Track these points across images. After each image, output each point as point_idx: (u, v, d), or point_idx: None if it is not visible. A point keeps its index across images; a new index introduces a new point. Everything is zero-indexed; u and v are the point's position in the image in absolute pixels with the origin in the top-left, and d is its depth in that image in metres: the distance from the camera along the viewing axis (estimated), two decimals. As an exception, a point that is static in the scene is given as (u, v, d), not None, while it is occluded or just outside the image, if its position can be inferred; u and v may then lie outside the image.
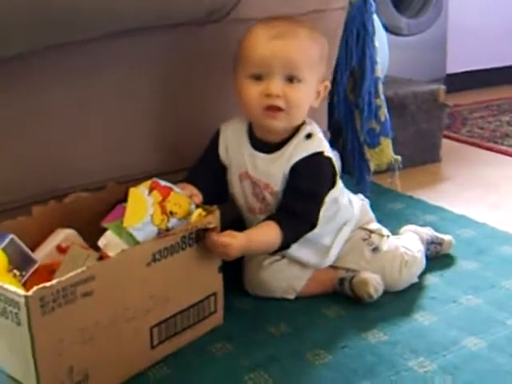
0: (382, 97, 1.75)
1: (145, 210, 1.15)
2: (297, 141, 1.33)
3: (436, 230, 1.63)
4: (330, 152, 1.35)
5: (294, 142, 1.33)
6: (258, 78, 1.27)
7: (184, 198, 1.23)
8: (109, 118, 1.36)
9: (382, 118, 1.75)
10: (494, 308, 1.35)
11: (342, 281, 1.40)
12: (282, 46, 1.26)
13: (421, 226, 1.64)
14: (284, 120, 1.29)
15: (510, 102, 3.04)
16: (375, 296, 1.37)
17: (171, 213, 1.19)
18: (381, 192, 1.94)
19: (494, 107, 2.97)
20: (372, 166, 1.83)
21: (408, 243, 1.49)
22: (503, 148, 2.40)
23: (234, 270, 1.41)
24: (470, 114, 2.88)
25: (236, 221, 1.51)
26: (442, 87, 2.24)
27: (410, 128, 2.18)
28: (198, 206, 1.24)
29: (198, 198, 1.29)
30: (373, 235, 1.46)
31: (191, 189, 1.30)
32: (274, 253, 1.33)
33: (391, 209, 1.85)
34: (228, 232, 1.22)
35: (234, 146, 1.37)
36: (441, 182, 2.14)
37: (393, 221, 1.69)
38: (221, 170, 1.39)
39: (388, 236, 1.48)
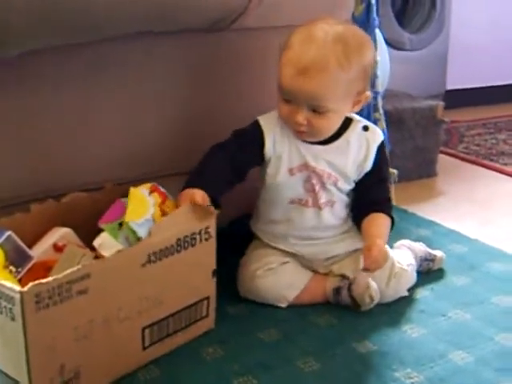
0: (381, 111, 1.77)
1: (146, 208, 1.17)
2: (356, 133, 1.40)
3: (428, 244, 1.65)
4: None
5: (353, 135, 1.40)
6: (287, 100, 1.32)
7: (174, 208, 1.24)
8: (110, 119, 1.38)
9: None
10: (483, 323, 1.36)
11: (337, 290, 1.41)
12: (307, 83, 1.28)
13: (413, 240, 1.66)
14: (309, 138, 1.37)
15: (506, 121, 3.06)
16: (376, 300, 1.39)
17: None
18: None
19: (491, 125, 2.99)
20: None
21: (400, 256, 1.50)
22: (498, 166, 2.42)
23: (228, 275, 1.43)
24: (467, 130, 2.91)
25: (236, 222, 1.53)
26: (441, 104, 2.27)
27: (408, 142, 2.20)
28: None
29: (204, 199, 1.26)
30: None
31: (193, 192, 1.27)
32: None
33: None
34: (368, 248, 1.31)
35: (285, 141, 1.39)
36: (435, 196, 2.16)
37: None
38: (253, 164, 1.41)
39: (384, 247, 1.50)
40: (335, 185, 1.40)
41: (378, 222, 1.40)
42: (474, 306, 1.43)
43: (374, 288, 1.38)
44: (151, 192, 1.21)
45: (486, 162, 2.47)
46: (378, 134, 1.44)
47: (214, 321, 1.32)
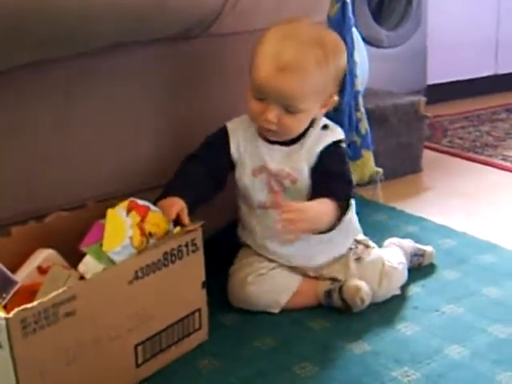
0: (363, 110, 1.77)
1: (124, 233, 1.15)
2: (315, 133, 1.38)
3: (417, 240, 1.65)
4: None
5: (311, 134, 1.38)
6: (259, 99, 1.31)
7: (161, 217, 1.22)
8: (87, 134, 1.36)
9: (363, 131, 1.77)
10: (475, 316, 1.36)
11: (329, 292, 1.40)
12: (283, 81, 1.27)
13: (402, 237, 1.65)
14: (278, 137, 1.37)
15: (488, 113, 3.07)
16: (367, 302, 1.38)
17: (150, 234, 1.19)
18: (364, 204, 1.94)
19: (474, 117, 3.00)
20: (354, 179, 1.84)
21: (390, 255, 1.50)
22: (482, 158, 2.43)
23: (218, 285, 1.42)
24: (450, 124, 2.91)
25: (223, 231, 1.52)
26: (423, 99, 2.27)
27: (391, 140, 2.20)
28: (177, 224, 1.25)
29: (184, 211, 1.26)
30: (359, 246, 1.48)
31: (172, 200, 1.28)
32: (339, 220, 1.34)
33: (374, 220, 1.86)
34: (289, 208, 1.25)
35: (247, 142, 1.40)
36: (422, 192, 2.16)
37: (376, 232, 1.69)
38: (225, 168, 1.41)
39: (373, 247, 1.49)
40: (294, 184, 1.38)
41: (321, 201, 1.32)
42: (465, 299, 1.43)
43: (365, 290, 1.37)
44: (129, 211, 1.18)
45: (470, 154, 2.48)
46: (336, 133, 1.41)
47: (207, 332, 1.30)
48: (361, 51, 1.91)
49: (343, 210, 1.35)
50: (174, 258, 1.21)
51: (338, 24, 1.72)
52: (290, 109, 1.30)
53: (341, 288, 1.39)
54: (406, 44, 2.90)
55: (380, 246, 1.56)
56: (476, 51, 3.28)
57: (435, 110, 2.68)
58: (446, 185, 2.19)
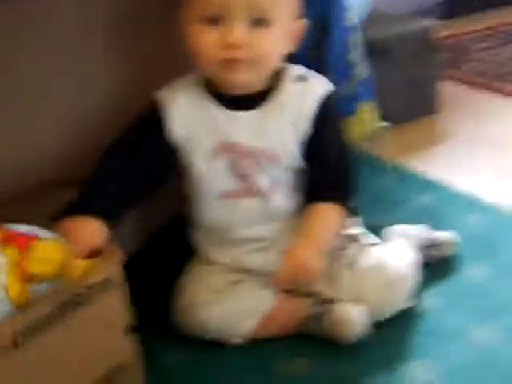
0: (359, 50, 1.33)
1: None
2: (290, 87, 1.04)
3: (434, 216, 1.28)
4: None
5: (286, 89, 1.03)
6: (213, 21, 0.96)
7: (57, 246, 0.84)
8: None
9: (358, 78, 1.34)
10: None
11: (310, 319, 1.03)
12: None
13: (414, 212, 1.31)
14: (249, 74, 0.99)
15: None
16: (360, 336, 1.01)
17: (37, 276, 0.81)
18: (366, 163, 1.54)
19: (501, 35, 2.52)
20: (355, 136, 1.43)
21: (395, 255, 1.10)
22: (509, 88, 1.98)
23: (161, 308, 1.07)
24: (471, 45, 2.44)
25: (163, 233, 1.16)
26: (436, 23, 1.81)
27: (397, 75, 1.75)
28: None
29: (99, 235, 0.93)
30: (353, 245, 1.10)
31: (83, 223, 0.93)
32: None
33: (377, 186, 1.46)
34: (284, 256, 0.98)
35: (196, 113, 1.03)
36: (437, 141, 1.72)
37: (380, 205, 1.35)
38: (163, 157, 1.04)
39: (373, 245, 1.11)
40: (275, 163, 1.03)
41: (317, 215, 1.04)
42: (502, 316, 1.04)
43: (357, 322, 1.00)
44: (4, 244, 0.80)
45: (497, 85, 2.02)
46: (318, 85, 1.06)
47: (143, 385, 0.95)
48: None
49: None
50: (76, 306, 0.84)
51: None
52: (260, 19, 0.96)
53: (326, 316, 1.01)
54: None
55: (378, 236, 1.17)
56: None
57: (452, 28, 2.22)
58: (466, 130, 1.75)
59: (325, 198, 1.04)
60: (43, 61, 1.02)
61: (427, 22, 1.83)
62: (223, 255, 1.08)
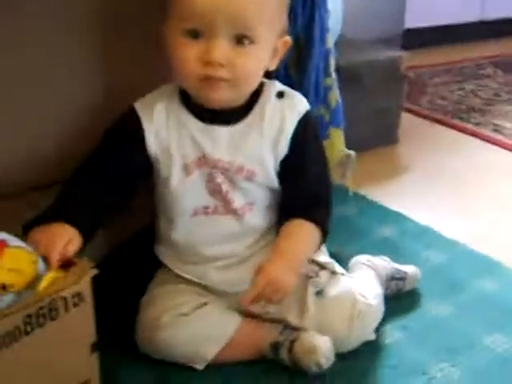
0: (334, 75, 1.33)
1: None
2: (270, 103, 1.01)
3: (395, 249, 1.29)
4: None
5: (266, 106, 1.01)
6: (195, 35, 0.92)
7: (26, 256, 0.81)
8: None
9: (333, 104, 1.33)
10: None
11: (276, 346, 1.01)
12: None
13: (376, 243, 1.31)
14: (228, 93, 0.96)
15: (473, 66, 2.65)
16: (326, 365, 0.99)
17: (4, 286, 0.77)
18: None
19: (457, 71, 2.58)
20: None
21: (363, 285, 1.10)
22: (469, 127, 2.02)
23: (124, 325, 1.03)
24: (430, 78, 2.48)
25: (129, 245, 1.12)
26: (403, 54, 1.84)
27: (362, 104, 1.77)
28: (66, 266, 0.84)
29: (73, 245, 0.88)
30: (322, 272, 1.08)
31: (56, 229, 0.89)
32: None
33: (340, 215, 1.44)
34: (256, 272, 0.94)
35: (171, 129, 0.99)
36: (399, 172, 1.74)
37: (340, 235, 1.31)
38: (138, 172, 1.01)
39: (342, 274, 1.10)
40: (251, 180, 1.00)
41: (293, 231, 1.01)
42: (462, 353, 1.05)
43: (324, 352, 0.98)
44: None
45: (455, 121, 2.06)
46: (298, 102, 1.04)
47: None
48: (335, -7, 1.45)
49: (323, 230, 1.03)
50: (43, 320, 0.80)
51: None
52: (243, 33, 0.92)
53: (292, 344, 1.00)
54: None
55: (345, 267, 1.16)
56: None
57: (412, 59, 2.25)
58: (426, 162, 1.78)
59: (303, 216, 1.01)
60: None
61: (396, 52, 1.85)
62: (190, 272, 1.05)
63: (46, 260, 0.82)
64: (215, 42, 0.91)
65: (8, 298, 0.76)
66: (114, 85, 1.07)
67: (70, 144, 1.04)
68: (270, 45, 0.97)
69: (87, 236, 0.92)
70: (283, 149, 1.01)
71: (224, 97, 0.96)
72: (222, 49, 0.91)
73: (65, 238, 0.87)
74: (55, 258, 0.84)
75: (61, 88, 1.03)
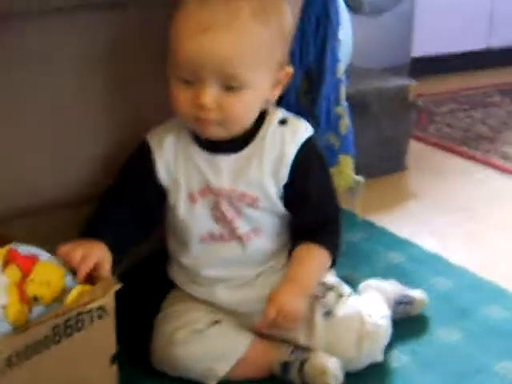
0: (345, 104, 1.37)
1: None
2: (272, 130, 1.04)
3: (403, 275, 1.31)
4: None
5: (268, 133, 1.04)
6: (188, 81, 0.98)
7: (56, 270, 0.86)
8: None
9: (343, 131, 1.37)
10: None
11: (286, 366, 1.04)
12: (213, 42, 0.94)
13: (383, 269, 1.33)
14: (220, 131, 1.01)
15: (480, 94, 2.68)
16: None
17: (35, 298, 0.82)
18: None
19: (464, 99, 2.61)
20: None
21: (370, 307, 1.13)
22: (478, 155, 2.05)
23: (140, 341, 1.06)
24: (437, 107, 2.52)
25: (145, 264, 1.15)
26: (413, 83, 1.87)
27: (371, 132, 1.80)
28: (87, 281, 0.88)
29: (104, 269, 0.94)
30: (329, 293, 1.10)
31: (90, 246, 0.94)
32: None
33: (348, 241, 1.44)
34: (268, 302, 0.98)
35: (179, 159, 1.04)
36: (407, 199, 1.78)
37: (348, 260, 1.32)
38: (154, 201, 1.06)
39: (349, 296, 1.12)
40: (255, 206, 1.03)
41: (302, 257, 1.05)
42: (471, 379, 1.07)
43: (333, 373, 1.01)
44: (6, 264, 0.81)
45: (464, 149, 2.09)
46: (300, 129, 1.06)
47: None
48: (345, 25, 1.48)
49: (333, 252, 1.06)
50: (70, 331, 0.84)
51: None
52: (230, 83, 0.96)
53: (302, 364, 1.02)
54: (392, 10, 2.48)
55: (353, 285, 1.19)
56: (469, 20, 2.87)
57: (419, 88, 2.28)
58: (434, 191, 1.81)
59: (313, 240, 1.04)
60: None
61: (405, 80, 1.88)
62: (201, 292, 1.09)
63: (73, 274, 0.87)
64: (204, 89, 0.96)
65: (38, 309, 0.81)
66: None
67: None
68: (266, 82, 1.01)
69: (117, 256, 0.96)
70: (284, 175, 1.03)
71: (216, 134, 1.01)
72: (210, 95, 0.96)
73: (98, 255, 0.92)
74: (84, 272, 0.89)
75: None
